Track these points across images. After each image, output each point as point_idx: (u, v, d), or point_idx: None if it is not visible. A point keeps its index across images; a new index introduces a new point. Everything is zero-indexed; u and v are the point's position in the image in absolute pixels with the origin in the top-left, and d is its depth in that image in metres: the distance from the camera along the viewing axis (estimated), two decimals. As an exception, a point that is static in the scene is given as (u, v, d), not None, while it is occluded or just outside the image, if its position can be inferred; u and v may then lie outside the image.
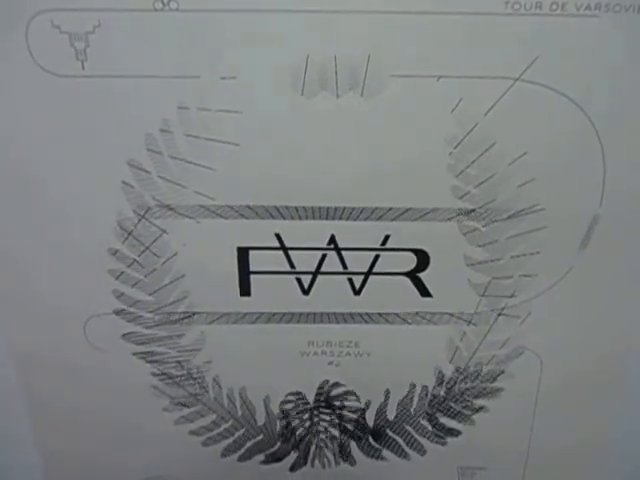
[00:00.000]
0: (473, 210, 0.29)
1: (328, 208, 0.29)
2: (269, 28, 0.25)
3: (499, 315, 0.32)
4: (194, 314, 0.31)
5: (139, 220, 0.28)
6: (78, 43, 0.25)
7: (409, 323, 0.32)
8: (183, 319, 0.31)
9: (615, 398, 0.34)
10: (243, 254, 0.30)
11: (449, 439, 0.35)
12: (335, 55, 0.25)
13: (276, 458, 0.35)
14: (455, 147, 0.27)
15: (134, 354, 0.31)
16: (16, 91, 0.26)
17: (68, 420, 0.33)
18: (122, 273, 0.30)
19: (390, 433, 0.35)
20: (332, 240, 0.30)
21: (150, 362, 0.32)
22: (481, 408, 0.34)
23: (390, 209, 0.29)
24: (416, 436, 0.35)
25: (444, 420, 0.34)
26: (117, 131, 0.26)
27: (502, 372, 0.33)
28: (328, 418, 0.34)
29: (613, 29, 0.25)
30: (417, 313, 0.31)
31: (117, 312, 0.30)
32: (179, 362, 0.32)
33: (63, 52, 0.25)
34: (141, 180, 0.27)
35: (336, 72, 0.26)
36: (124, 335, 0.31)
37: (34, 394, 0.33)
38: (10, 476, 0.34)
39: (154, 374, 0.32)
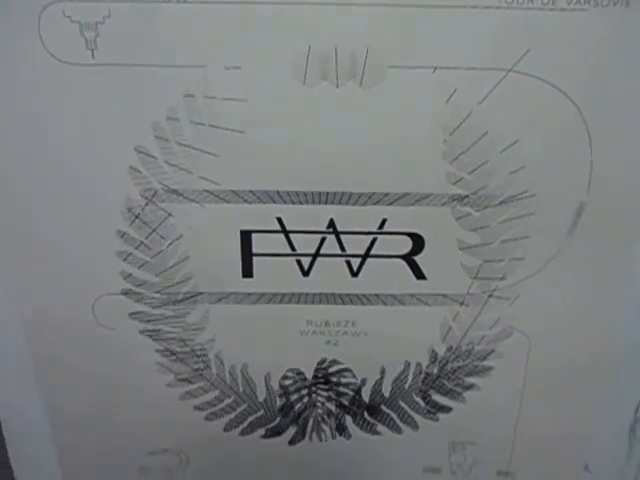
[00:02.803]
0: (466, 196, 0.31)
1: (327, 193, 0.31)
2: (272, 20, 0.26)
3: (490, 297, 0.34)
4: (198, 294, 0.33)
5: (146, 204, 0.30)
6: (88, 32, 0.26)
7: (404, 304, 0.34)
8: (188, 299, 0.33)
9: (601, 377, 0.37)
10: (246, 237, 0.32)
11: (441, 415, 0.37)
12: (336, 47, 0.27)
13: (276, 432, 0.38)
14: (450, 135, 0.29)
15: (140, 332, 0.33)
16: (29, 79, 0.27)
17: (76, 395, 0.36)
18: (130, 255, 0.31)
19: (385, 409, 0.37)
20: (331, 224, 0.31)
21: (156, 340, 0.34)
22: (472, 386, 0.36)
23: (387, 194, 0.31)
24: (410, 412, 0.37)
25: (436, 397, 0.37)
26: (125, 118, 0.28)
27: (492, 351, 0.35)
28: (325, 394, 0.37)
29: (602, 23, 0.27)
30: (412, 294, 0.34)
31: (125, 292, 0.32)
32: (183, 340, 0.34)
33: (74, 41, 0.26)
34: (148, 165, 0.29)
35: (336, 63, 0.27)
36: (131, 314, 0.33)
37: (45, 371, 0.35)
38: (23, 451, 0.37)
39: (159, 351, 0.34)
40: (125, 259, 0.31)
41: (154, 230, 0.31)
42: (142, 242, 0.31)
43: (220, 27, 0.27)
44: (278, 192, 0.30)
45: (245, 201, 0.31)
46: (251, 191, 0.30)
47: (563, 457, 0.39)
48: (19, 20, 0.26)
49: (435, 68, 0.27)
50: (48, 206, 0.30)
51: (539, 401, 0.37)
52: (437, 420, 0.38)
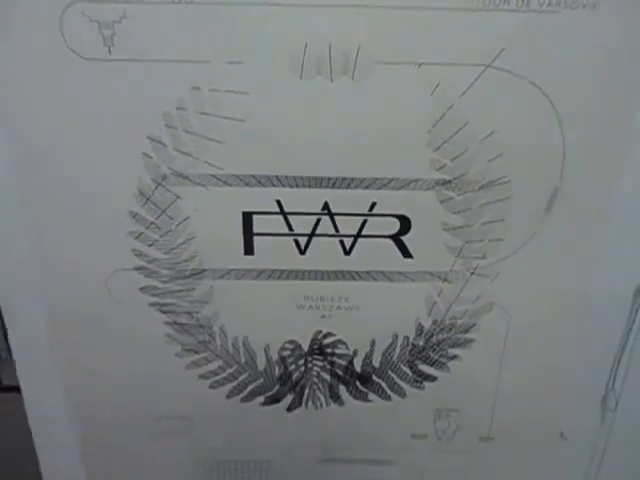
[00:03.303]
0: (449, 181, 0.34)
1: (322, 178, 0.34)
2: (271, 20, 0.30)
3: (471, 274, 0.37)
4: (203, 270, 0.36)
5: (156, 187, 0.34)
6: (106, 31, 0.29)
7: (392, 280, 0.37)
8: (194, 275, 0.36)
9: (575, 351, 0.40)
10: (247, 218, 0.35)
11: (427, 384, 0.41)
12: (330, 45, 0.30)
13: (275, 400, 0.41)
14: (433, 125, 0.32)
15: (150, 305, 0.37)
16: (51, 72, 0.30)
17: (90, 364, 0.39)
18: (141, 234, 0.35)
19: (375, 378, 0.41)
20: (325, 206, 0.35)
21: (164, 312, 0.37)
22: (455, 356, 0.40)
23: (376, 179, 0.34)
24: (398, 381, 0.41)
25: (422, 367, 0.40)
26: (138, 109, 0.31)
27: (473, 325, 0.39)
28: (320, 364, 0.40)
29: (571, 23, 0.30)
30: (399, 272, 0.37)
31: (136, 268, 0.36)
32: (190, 313, 0.37)
33: (92, 38, 0.29)
34: (159, 152, 0.33)
35: (330, 59, 0.31)
36: (142, 288, 0.36)
37: (62, 342, 0.38)
38: (42, 415, 0.40)
39: (167, 323, 0.38)
40: (137, 238, 0.35)
41: (163, 211, 0.34)
42: (152, 222, 0.34)
43: (224, 26, 0.30)
44: (277, 176, 0.34)
45: (247, 185, 0.34)
46: (252, 175, 0.34)
47: (540, 424, 0.43)
48: (43, 20, 0.29)
49: (420, 64, 0.31)
50: (68, 188, 0.34)
51: (517, 371, 0.41)
52: (423, 389, 0.41)
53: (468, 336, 0.39)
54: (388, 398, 0.41)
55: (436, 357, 0.40)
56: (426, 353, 0.40)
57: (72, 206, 0.34)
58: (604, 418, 0.43)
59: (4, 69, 0.30)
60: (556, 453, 0.44)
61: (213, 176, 0.34)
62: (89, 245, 0.35)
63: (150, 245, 0.35)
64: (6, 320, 0.38)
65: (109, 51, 0.30)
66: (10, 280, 0.37)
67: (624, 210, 0.35)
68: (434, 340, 0.40)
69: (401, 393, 0.41)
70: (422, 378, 0.41)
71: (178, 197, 0.34)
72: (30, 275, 0.36)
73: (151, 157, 0.33)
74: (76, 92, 0.31)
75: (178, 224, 0.35)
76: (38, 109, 0.31)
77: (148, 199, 0.34)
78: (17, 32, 0.30)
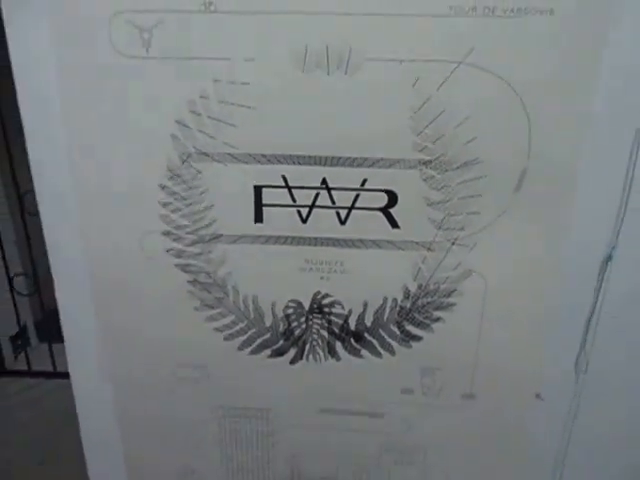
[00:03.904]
0: (430, 161, 0.41)
1: (321, 157, 0.41)
2: (280, 25, 0.37)
3: (452, 244, 0.44)
4: (220, 236, 0.44)
5: (182, 163, 0.41)
6: (144, 34, 0.37)
7: (382, 248, 0.44)
8: (211, 239, 0.44)
9: (549, 314, 0.46)
10: (258, 191, 0.42)
11: (413, 343, 0.48)
12: (327, 46, 0.37)
13: (279, 353, 0.48)
14: (415, 113, 0.39)
15: (175, 265, 0.44)
16: (100, 68, 0.38)
17: (125, 314, 0.47)
18: (168, 203, 0.42)
19: (367, 336, 0.48)
20: (324, 182, 0.42)
21: (186, 272, 0.45)
22: (438, 318, 0.47)
23: (366, 159, 0.41)
24: (388, 339, 0.48)
25: (409, 327, 0.47)
26: (168, 97, 0.39)
27: (454, 290, 0.46)
28: (319, 322, 0.47)
29: (531, 26, 0.37)
30: (388, 240, 0.44)
31: (164, 233, 0.43)
32: (207, 273, 0.45)
33: (133, 40, 0.37)
34: (185, 134, 0.40)
35: (327, 56, 0.38)
36: (168, 250, 0.44)
37: (104, 292, 0.46)
38: (81, 356, 0.48)
39: (189, 281, 0.45)
40: (165, 206, 0.42)
41: (187, 184, 0.42)
42: (178, 193, 0.42)
43: (241, 30, 0.37)
44: (282, 155, 0.41)
45: (257, 162, 0.41)
46: (262, 154, 0.41)
47: (518, 385, 0.49)
48: (94, 26, 0.37)
49: (402, 61, 0.38)
50: (110, 164, 0.41)
51: (495, 333, 0.47)
52: (410, 347, 0.48)
53: (450, 300, 0.46)
54: (379, 355, 0.48)
55: (421, 319, 0.47)
56: (412, 315, 0.47)
57: (113, 179, 0.42)
58: (577, 379, 0.49)
59: (64, 68, 0.38)
60: (533, 413, 0.50)
61: (229, 154, 0.41)
62: (127, 212, 0.43)
63: (175, 212, 0.43)
64: (56, 282, 0.46)
65: (146, 51, 0.37)
66: (63, 252, 0.45)
67: (587, 188, 0.41)
68: (419, 303, 0.46)
69: (391, 351, 0.48)
70: (409, 338, 0.47)
71: (200, 172, 0.41)
72: (77, 236, 0.44)
73: (178, 138, 0.40)
74: (119, 84, 0.39)
75: (199, 195, 0.42)
76: (88, 99, 0.39)
77: (175, 173, 0.41)
78: (73, 36, 0.37)
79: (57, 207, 0.43)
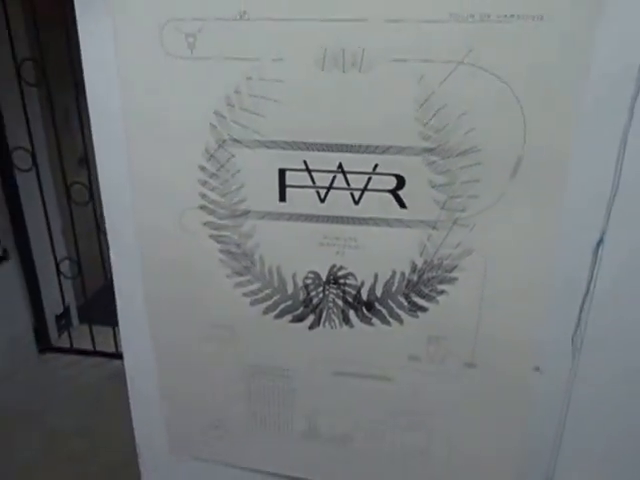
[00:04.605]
0: (434, 148, 0.47)
1: (338, 144, 0.48)
2: (303, 30, 0.44)
3: (454, 224, 0.50)
4: (249, 212, 0.51)
5: (218, 148, 0.49)
6: (189, 39, 0.45)
7: (391, 226, 0.51)
8: (242, 215, 0.52)
9: (545, 292, 0.52)
10: (282, 173, 0.50)
11: (420, 314, 0.54)
12: (343, 48, 0.44)
13: (299, 319, 0.56)
14: (420, 106, 0.46)
15: (210, 236, 0.53)
16: (152, 66, 0.46)
17: (166, 279, 0.55)
18: (206, 182, 0.50)
19: (378, 306, 0.54)
20: (340, 166, 0.49)
21: (219, 242, 0.53)
22: (442, 291, 0.53)
23: (378, 146, 0.48)
24: (396, 309, 0.54)
25: (416, 299, 0.54)
26: (208, 92, 0.47)
27: (456, 266, 0.52)
28: (335, 292, 0.54)
29: (522, 30, 0.43)
30: (396, 219, 0.51)
31: (201, 207, 0.51)
32: (237, 244, 0.53)
33: (180, 43, 0.45)
34: (221, 123, 0.48)
35: (343, 57, 0.45)
36: (204, 223, 0.52)
37: (151, 262, 0.55)
38: (131, 316, 0.57)
39: (221, 251, 0.53)
40: (203, 184, 0.50)
41: (222, 165, 0.50)
42: (214, 173, 0.50)
43: (269, 35, 0.45)
44: (304, 142, 0.48)
45: (282, 148, 0.49)
46: (286, 142, 0.48)
47: (517, 357, 0.55)
48: (149, 33, 0.45)
49: (408, 61, 0.44)
50: (156, 149, 0.50)
51: (495, 308, 0.53)
52: (417, 317, 0.54)
53: (452, 275, 0.52)
54: (388, 323, 0.55)
55: (427, 291, 0.53)
56: (419, 287, 0.53)
57: (162, 162, 0.50)
58: (574, 353, 0.54)
59: (125, 67, 0.47)
60: (532, 386, 0.56)
61: (258, 141, 0.48)
62: (170, 188, 0.51)
63: (211, 190, 0.51)
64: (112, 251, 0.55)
65: (191, 52, 0.45)
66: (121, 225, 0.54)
67: (580, 176, 0.47)
68: (425, 277, 0.53)
69: (399, 320, 0.55)
70: (416, 308, 0.54)
71: (233, 156, 0.49)
72: (127, 214, 0.53)
73: (215, 126, 0.48)
74: (168, 80, 0.47)
75: (232, 175, 0.50)
76: (143, 93, 0.48)
77: (212, 156, 0.49)
78: (130, 41, 0.46)
79: (115, 193, 0.53)
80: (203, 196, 0.51)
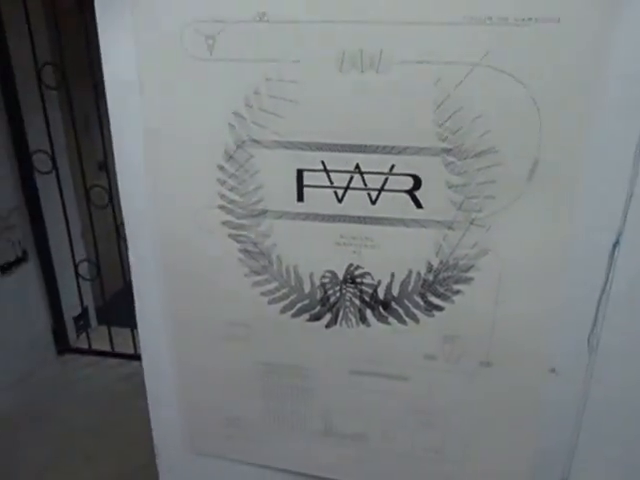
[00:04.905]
0: (451, 149, 0.48)
1: (355, 145, 0.49)
2: (322, 32, 0.45)
3: (470, 224, 0.51)
4: (267, 211, 0.53)
5: (237, 148, 0.50)
6: (209, 40, 0.46)
7: (408, 226, 0.52)
8: (260, 214, 0.53)
9: (562, 292, 0.52)
10: (300, 173, 0.51)
11: (436, 313, 0.55)
12: (361, 50, 0.45)
13: (316, 318, 0.57)
14: (437, 108, 0.47)
15: (229, 235, 0.54)
16: (173, 68, 0.48)
17: (185, 282, 0.57)
18: (225, 182, 0.52)
19: (394, 305, 0.55)
20: (357, 166, 0.50)
21: (238, 241, 0.54)
22: (458, 291, 0.54)
23: (395, 147, 0.49)
24: (412, 309, 0.55)
25: (432, 298, 0.54)
26: (228, 93, 0.48)
27: (472, 266, 0.52)
28: (352, 291, 0.55)
29: (540, 32, 0.44)
30: (413, 219, 0.51)
31: (220, 207, 0.53)
32: (255, 243, 0.54)
33: (200, 45, 0.47)
34: (240, 123, 0.49)
35: (361, 58, 0.46)
36: (223, 222, 0.53)
37: (170, 261, 0.56)
38: (149, 311, 0.59)
39: (240, 250, 0.54)
40: (222, 184, 0.52)
41: (241, 166, 0.51)
42: (233, 173, 0.51)
43: (288, 36, 0.46)
44: (322, 143, 0.49)
45: (300, 149, 0.50)
46: (304, 142, 0.49)
47: (532, 357, 0.55)
48: (169, 34, 0.47)
49: (424, 62, 0.45)
50: (177, 147, 0.51)
51: (510, 308, 0.54)
52: (433, 316, 0.55)
53: (468, 275, 0.53)
54: (404, 322, 0.56)
55: (442, 291, 0.54)
56: (434, 287, 0.54)
57: (180, 160, 0.52)
58: (590, 355, 0.54)
59: (145, 69, 0.48)
60: (548, 386, 0.56)
61: (277, 142, 0.50)
62: (192, 188, 0.53)
63: (230, 190, 0.52)
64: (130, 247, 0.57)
65: (210, 53, 0.47)
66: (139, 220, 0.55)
67: (596, 177, 0.47)
68: (441, 277, 0.53)
69: (415, 319, 0.55)
70: (432, 307, 0.55)
71: (252, 156, 0.50)
72: (148, 206, 0.54)
73: (234, 127, 0.49)
74: (188, 82, 0.48)
75: (250, 175, 0.51)
76: (163, 94, 0.49)
77: (231, 157, 0.51)
78: (150, 43, 0.47)
79: (134, 197, 0.54)
80: (222, 196, 0.52)
